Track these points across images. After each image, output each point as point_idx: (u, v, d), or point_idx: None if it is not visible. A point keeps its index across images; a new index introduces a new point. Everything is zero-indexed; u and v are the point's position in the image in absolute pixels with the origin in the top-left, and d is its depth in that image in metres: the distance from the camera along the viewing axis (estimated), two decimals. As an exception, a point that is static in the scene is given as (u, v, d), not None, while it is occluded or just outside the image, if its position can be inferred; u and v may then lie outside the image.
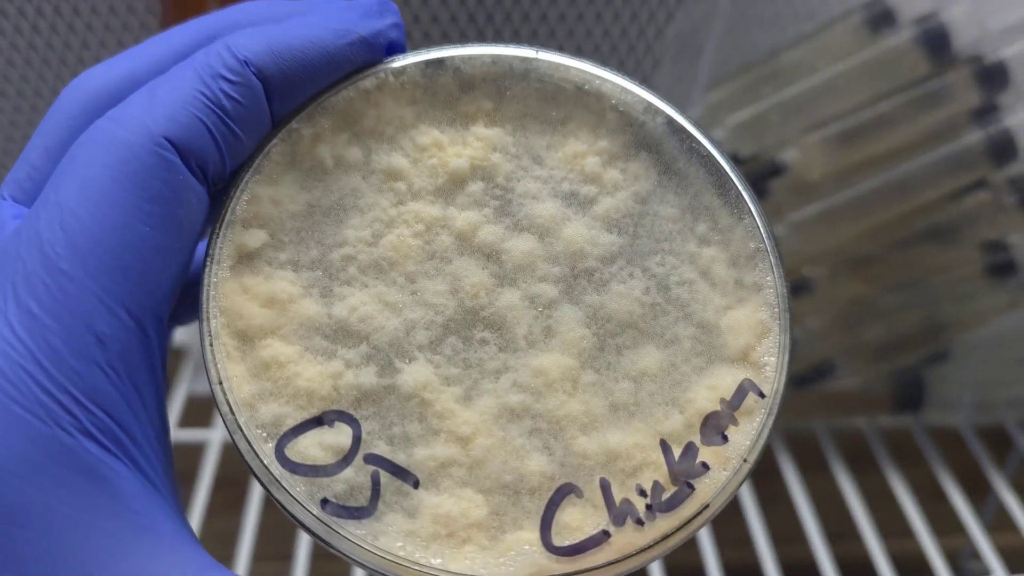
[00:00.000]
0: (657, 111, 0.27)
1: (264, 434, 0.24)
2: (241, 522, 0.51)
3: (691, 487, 0.24)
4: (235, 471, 0.52)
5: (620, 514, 0.24)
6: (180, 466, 0.26)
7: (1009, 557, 0.52)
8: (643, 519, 0.24)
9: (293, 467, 0.24)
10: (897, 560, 0.51)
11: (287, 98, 0.26)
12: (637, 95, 0.27)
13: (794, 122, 0.50)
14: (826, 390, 0.55)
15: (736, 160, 0.52)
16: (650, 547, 0.24)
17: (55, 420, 0.21)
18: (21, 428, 0.21)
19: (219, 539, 0.50)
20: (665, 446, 0.25)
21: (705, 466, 0.24)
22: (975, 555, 0.55)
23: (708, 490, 0.24)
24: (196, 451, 0.55)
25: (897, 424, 0.58)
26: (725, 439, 0.24)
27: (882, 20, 0.51)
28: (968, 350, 0.54)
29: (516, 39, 0.53)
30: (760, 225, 0.27)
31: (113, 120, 0.23)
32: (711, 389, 0.25)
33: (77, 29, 0.52)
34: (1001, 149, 0.49)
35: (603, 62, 0.27)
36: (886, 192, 0.49)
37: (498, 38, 0.51)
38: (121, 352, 0.22)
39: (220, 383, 0.24)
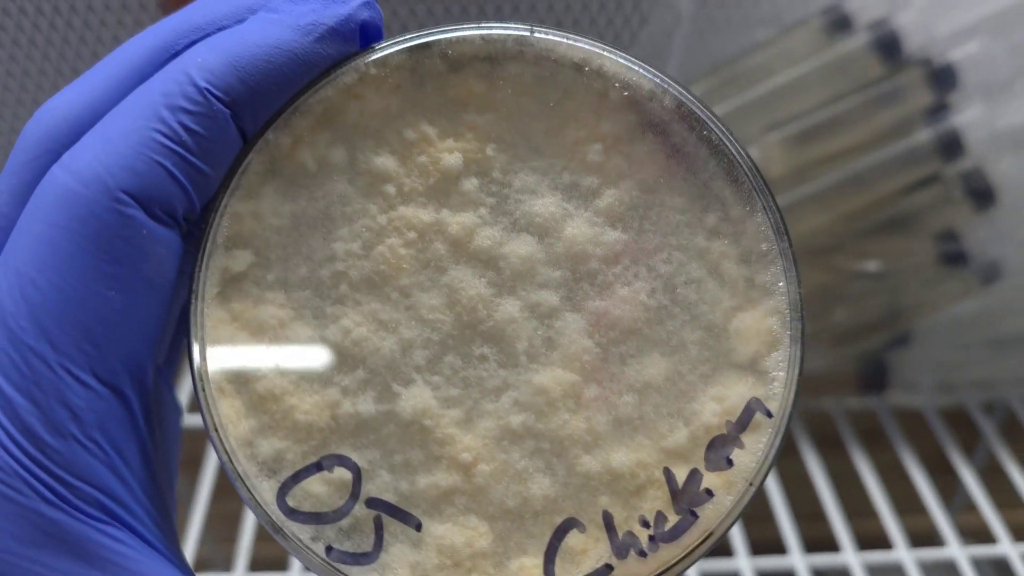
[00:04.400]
0: (665, 92, 0.25)
1: (265, 472, 0.24)
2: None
3: (695, 515, 0.24)
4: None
5: (623, 547, 0.24)
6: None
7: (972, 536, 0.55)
8: (646, 551, 0.24)
9: (293, 514, 0.24)
10: (862, 540, 0.53)
11: (259, 111, 0.24)
12: (642, 74, 0.25)
13: (757, 121, 0.53)
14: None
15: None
16: None
17: (41, 497, 0.21)
18: (8, 508, 0.21)
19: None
20: (669, 473, 0.24)
21: (709, 493, 0.24)
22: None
23: (712, 517, 0.24)
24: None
25: (863, 405, 0.60)
26: (730, 463, 0.24)
27: (839, 25, 0.53)
28: (928, 334, 0.57)
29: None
30: (773, 223, 0.25)
31: (67, 170, 0.22)
32: (717, 400, 0.25)
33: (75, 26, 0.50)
34: (950, 146, 0.51)
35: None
36: (844, 186, 0.52)
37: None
38: (98, 422, 0.22)
39: (216, 430, 0.24)
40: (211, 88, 0.22)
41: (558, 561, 0.24)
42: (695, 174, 0.25)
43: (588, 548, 0.24)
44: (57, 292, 0.21)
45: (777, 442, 0.24)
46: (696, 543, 0.24)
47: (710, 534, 0.24)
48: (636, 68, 0.25)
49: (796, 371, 0.24)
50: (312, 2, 0.24)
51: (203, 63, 0.22)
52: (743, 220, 0.25)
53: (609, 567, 0.24)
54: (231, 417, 0.24)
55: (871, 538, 0.53)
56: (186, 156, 0.22)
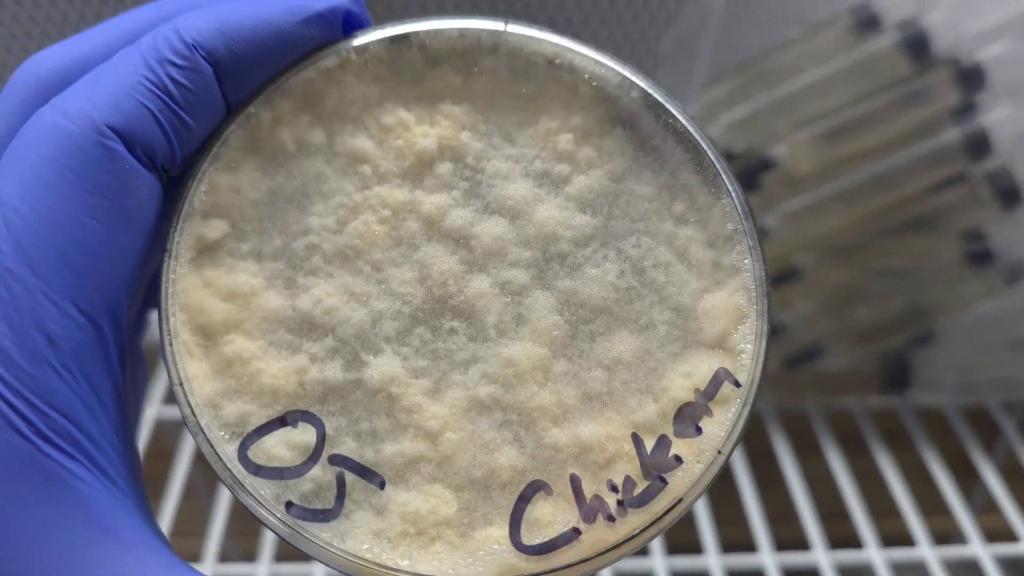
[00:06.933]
0: (632, 85, 0.26)
1: (228, 434, 0.24)
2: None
3: (664, 481, 0.23)
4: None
5: (591, 511, 0.23)
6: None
7: (995, 538, 0.53)
8: (614, 515, 0.23)
9: (256, 469, 0.23)
10: (885, 539, 0.52)
11: (241, 81, 0.25)
12: (611, 68, 0.26)
13: (784, 120, 0.53)
14: (817, 371, 0.57)
15: (729, 155, 0.54)
16: (621, 544, 0.23)
17: (9, 424, 0.21)
18: None
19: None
20: (637, 439, 0.24)
21: (678, 459, 0.24)
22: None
23: (681, 484, 0.23)
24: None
25: (885, 404, 0.60)
26: (699, 431, 0.24)
27: (867, 24, 0.53)
28: (951, 333, 0.56)
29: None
30: (738, 205, 0.26)
31: (56, 109, 0.22)
32: (686, 376, 0.25)
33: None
34: (977, 146, 0.51)
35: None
36: (870, 185, 0.52)
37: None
38: (74, 351, 0.21)
39: (180, 384, 0.23)
40: (197, 45, 0.23)
41: (523, 530, 0.24)
42: (662, 165, 0.26)
43: (556, 518, 0.24)
44: (40, 219, 0.21)
45: (746, 412, 0.24)
46: (665, 510, 0.23)
47: (679, 500, 0.23)
48: (605, 62, 0.26)
49: (763, 344, 0.25)
50: None
51: (192, 23, 0.23)
52: (709, 207, 0.26)
53: (576, 531, 0.23)
54: (197, 377, 0.24)
55: (894, 538, 0.53)
56: (170, 104, 0.23)
